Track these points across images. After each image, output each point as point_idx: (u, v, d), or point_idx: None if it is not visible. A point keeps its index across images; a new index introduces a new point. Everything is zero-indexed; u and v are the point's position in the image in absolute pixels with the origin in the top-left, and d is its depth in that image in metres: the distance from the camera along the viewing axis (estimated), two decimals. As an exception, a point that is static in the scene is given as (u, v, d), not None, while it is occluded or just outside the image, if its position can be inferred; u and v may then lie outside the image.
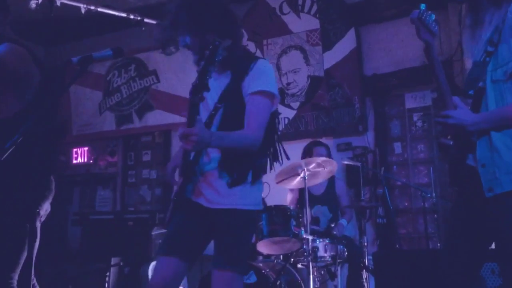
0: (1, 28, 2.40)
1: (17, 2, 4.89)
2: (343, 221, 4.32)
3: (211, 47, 1.91)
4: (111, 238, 4.94)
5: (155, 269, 2.17)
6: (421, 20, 1.97)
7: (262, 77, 2.15)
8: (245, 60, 2.22)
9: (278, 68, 5.64)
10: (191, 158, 2.16)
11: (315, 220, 4.24)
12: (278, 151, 2.29)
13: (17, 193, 2.26)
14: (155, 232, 4.99)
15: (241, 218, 2.13)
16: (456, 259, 2.00)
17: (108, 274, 4.44)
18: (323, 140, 4.84)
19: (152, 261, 4.80)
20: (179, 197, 2.19)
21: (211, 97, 2.17)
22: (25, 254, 2.26)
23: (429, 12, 2.00)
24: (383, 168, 4.51)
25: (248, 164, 2.16)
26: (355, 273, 3.98)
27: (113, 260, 4.73)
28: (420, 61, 4.95)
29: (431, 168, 4.55)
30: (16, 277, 2.23)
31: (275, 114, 2.26)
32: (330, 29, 5.45)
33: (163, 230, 5.04)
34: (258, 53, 5.63)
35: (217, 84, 2.19)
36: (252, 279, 3.45)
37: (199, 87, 1.89)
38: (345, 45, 5.35)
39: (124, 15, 5.50)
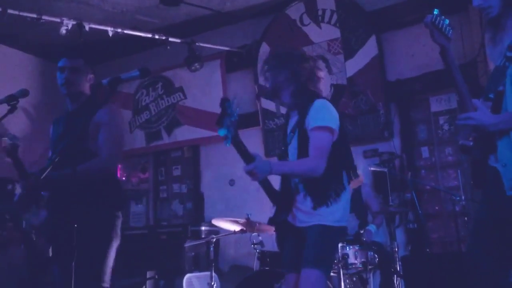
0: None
1: (49, 28, 5.13)
2: (371, 227, 4.31)
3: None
4: (145, 252, 5.06)
5: (286, 284, 2.70)
6: (435, 24, 2.02)
7: (318, 115, 2.57)
8: (307, 101, 2.64)
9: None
10: (280, 188, 2.68)
11: None
12: (350, 173, 2.65)
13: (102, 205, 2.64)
14: (188, 244, 5.09)
15: (325, 231, 2.52)
16: (481, 260, 2.01)
17: (144, 287, 4.54)
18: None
19: (186, 273, 4.89)
20: (280, 219, 2.67)
21: (288, 131, 2.72)
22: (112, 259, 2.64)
23: (443, 16, 2.04)
24: (410, 172, 4.50)
25: (326, 188, 2.54)
26: (387, 279, 3.97)
27: (149, 274, 4.84)
28: (443, 65, 4.93)
29: (459, 171, 4.51)
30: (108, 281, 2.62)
31: (345, 137, 2.66)
32: (351, 38, 5.50)
33: (195, 242, 5.15)
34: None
35: (290, 125, 2.73)
36: (285, 287, 3.49)
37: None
38: (367, 52, 5.38)
39: (149, 35, 5.68)
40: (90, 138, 2.68)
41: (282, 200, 2.67)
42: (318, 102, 2.64)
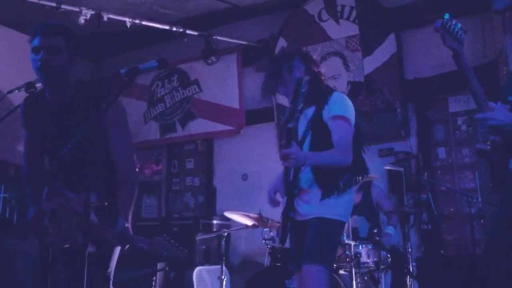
0: None
1: (67, 18, 5.15)
2: (390, 229, 4.24)
3: (296, 82, 2.42)
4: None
5: (297, 281, 2.68)
6: (445, 28, 2.00)
7: (338, 105, 2.57)
8: (325, 93, 2.63)
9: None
10: (291, 179, 2.59)
11: (353, 231, 4.21)
12: (363, 166, 2.65)
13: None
14: (199, 237, 5.10)
15: (325, 224, 2.49)
16: (499, 262, 1.97)
17: (154, 278, 4.56)
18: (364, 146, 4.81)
19: (196, 266, 4.90)
20: (285, 215, 2.60)
21: (301, 127, 2.62)
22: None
23: (454, 20, 2.03)
24: (426, 173, 4.45)
25: (337, 178, 2.52)
26: (399, 279, 3.93)
27: (159, 265, 4.85)
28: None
29: (476, 173, 4.43)
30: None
31: (357, 135, 2.62)
32: (369, 35, 5.44)
33: (206, 236, 5.15)
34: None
35: (305, 116, 2.63)
36: (295, 283, 3.47)
37: (292, 115, 2.38)
38: (385, 50, 5.32)
39: (167, 27, 5.67)
40: (98, 140, 2.37)
41: (288, 194, 2.64)
42: (337, 94, 2.66)
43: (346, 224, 3.52)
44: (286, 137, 2.45)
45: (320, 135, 2.55)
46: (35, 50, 2.35)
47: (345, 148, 2.49)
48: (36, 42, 2.35)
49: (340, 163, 2.50)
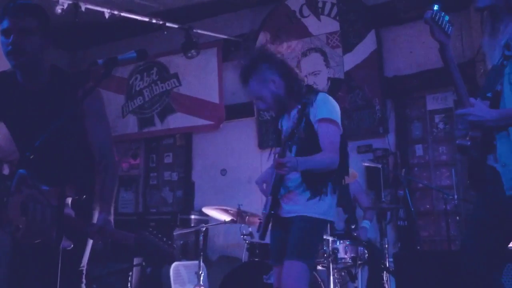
0: None
1: (44, 7, 5.02)
2: (365, 223, 4.28)
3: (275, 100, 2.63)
4: (133, 239, 5.00)
5: (275, 276, 2.69)
6: (435, 20, 1.98)
7: (326, 107, 2.56)
8: (309, 94, 2.61)
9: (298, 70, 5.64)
10: (278, 179, 2.60)
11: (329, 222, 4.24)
12: (347, 167, 2.68)
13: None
14: (177, 232, 5.05)
15: (309, 223, 2.53)
16: (476, 259, 1.99)
17: (130, 274, 4.51)
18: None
19: (173, 261, 4.85)
20: (270, 212, 2.60)
21: (285, 127, 2.68)
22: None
23: (443, 13, 2.01)
24: (404, 169, 4.49)
25: (325, 179, 2.56)
26: (375, 275, 3.96)
27: (136, 261, 4.80)
28: (442, 62, 4.89)
29: (453, 170, 4.49)
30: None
31: (343, 137, 2.64)
32: (350, 31, 5.45)
33: (184, 231, 5.11)
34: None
35: (288, 117, 2.68)
36: (272, 279, 3.47)
37: (293, 136, 2.43)
38: (366, 47, 5.34)
39: (146, 19, 5.59)
40: (74, 130, 2.18)
41: (274, 193, 2.65)
42: (323, 95, 2.64)
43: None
44: (282, 147, 2.50)
45: (307, 137, 2.56)
46: (4, 32, 2.15)
47: (334, 151, 2.53)
48: (5, 24, 2.14)
49: (329, 167, 2.53)
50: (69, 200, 2.07)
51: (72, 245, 1.93)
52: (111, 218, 2.21)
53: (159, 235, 2.08)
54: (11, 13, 2.15)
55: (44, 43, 2.24)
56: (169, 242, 2.07)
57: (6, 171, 2.59)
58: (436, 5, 2.00)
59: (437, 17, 1.97)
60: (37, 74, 2.26)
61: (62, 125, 1.87)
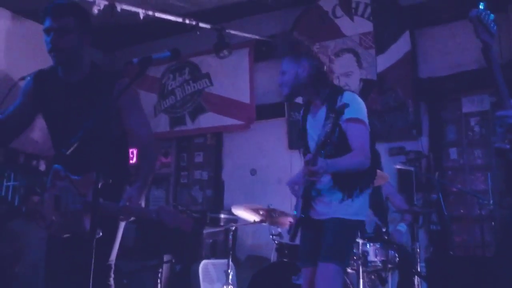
0: None
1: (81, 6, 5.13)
2: (401, 227, 4.20)
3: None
4: (163, 236, 5.07)
5: (304, 278, 2.70)
6: (480, 19, 1.93)
7: (351, 106, 2.46)
8: (334, 93, 2.62)
9: (330, 71, 5.61)
10: (309, 182, 2.58)
11: None
12: (379, 166, 2.74)
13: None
14: (206, 231, 5.09)
15: (342, 224, 2.53)
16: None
17: (160, 270, 4.56)
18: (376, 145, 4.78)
19: (202, 259, 4.89)
20: (301, 216, 2.62)
21: (315, 130, 2.64)
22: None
23: (488, 11, 1.95)
24: (437, 173, 4.40)
25: (356, 181, 2.56)
26: (406, 279, 3.89)
27: (166, 257, 4.85)
28: (478, 64, 4.78)
29: (488, 174, 4.38)
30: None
31: (372, 135, 2.64)
32: (383, 32, 5.38)
33: (214, 229, 5.14)
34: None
35: (313, 117, 2.70)
36: (301, 280, 3.45)
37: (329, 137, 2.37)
38: (399, 48, 5.25)
39: (180, 20, 5.65)
40: (109, 124, 2.33)
41: (306, 196, 2.66)
42: (348, 94, 2.63)
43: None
44: (314, 154, 2.46)
45: (339, 143, 2.55)
46: (46, 31, 2.32)
47: (364, 152, 2.53)
48: (46, 23, 2.32)
49: (360, 167, 2.53)
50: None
51: (101, 233, 1.95)
52: (140, 197, 2.24)
53: (179, 207, 2.13)
54: (50, 13, 2.32)
55: (83, 40, 2.37)
56: (192, 214, 2.12)
57: (42, 167, 2.67)
58: (481, 3, 1.96)
59: (482, 16, 1.93)
60: (77, 69, 2.39)
61: (97, 122, 1.95)
